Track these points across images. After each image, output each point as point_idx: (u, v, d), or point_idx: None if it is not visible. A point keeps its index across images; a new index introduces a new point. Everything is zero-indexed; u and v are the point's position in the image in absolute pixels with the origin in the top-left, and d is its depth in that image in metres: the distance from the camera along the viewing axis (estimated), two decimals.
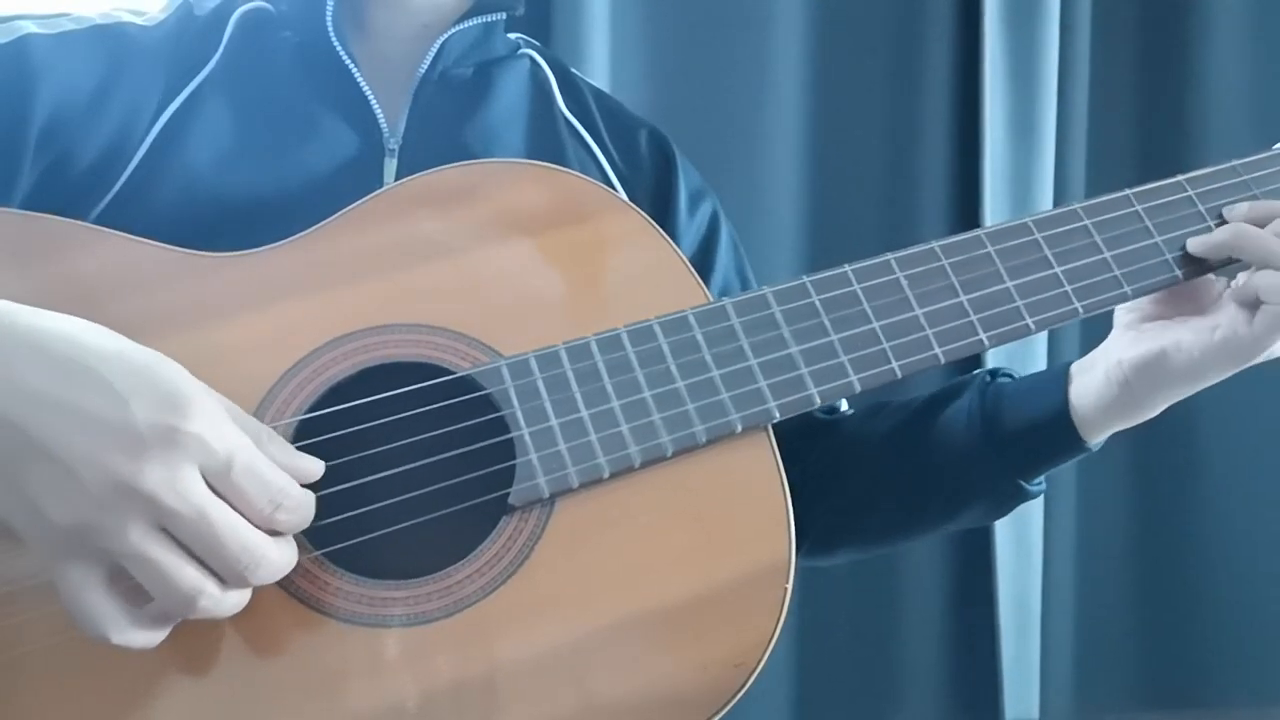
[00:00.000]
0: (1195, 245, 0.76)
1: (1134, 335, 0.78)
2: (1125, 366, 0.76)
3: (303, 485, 0.60)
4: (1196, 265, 0.76)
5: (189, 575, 0.55)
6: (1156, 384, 0.76)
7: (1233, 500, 1.71)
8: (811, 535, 0.89)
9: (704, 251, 0.95)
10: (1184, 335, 0.75)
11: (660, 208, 0.93)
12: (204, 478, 0.55)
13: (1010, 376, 0.85)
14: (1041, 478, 0.83)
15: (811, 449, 0.90)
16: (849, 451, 0.90)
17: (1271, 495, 1.70)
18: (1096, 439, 0.79)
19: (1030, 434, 0.80)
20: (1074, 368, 0.80)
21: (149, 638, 0.56)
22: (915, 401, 0.89)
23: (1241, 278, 0.75)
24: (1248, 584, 1.70)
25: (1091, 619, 1.71)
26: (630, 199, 0.90)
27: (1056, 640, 1.68)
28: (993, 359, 1.44)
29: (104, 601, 0.55)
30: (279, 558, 0.58)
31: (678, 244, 0.91)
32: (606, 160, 0.93)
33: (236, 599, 0.57)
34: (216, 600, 0.56)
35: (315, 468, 0.62)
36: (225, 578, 0.56)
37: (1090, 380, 0.78)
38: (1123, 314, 0.80)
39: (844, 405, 0.94)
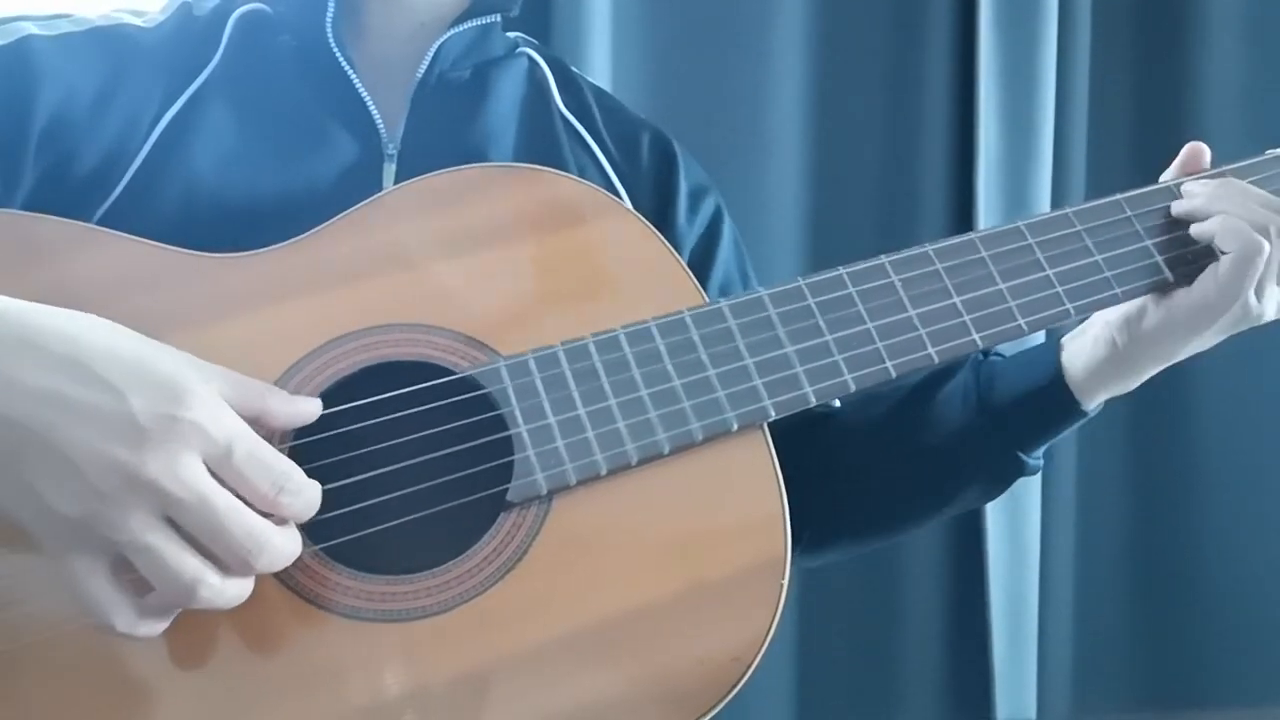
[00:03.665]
0: (1177, 208, 0.79)
1: None
2: (1111, 325, 0.79)
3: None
4: (1186, 267, 0.77)
5: (189, 564, 0.55)
6: (1140, 340, 0.78)
7: (1230, 500, 1.71)
8: (810, 527, 0.89)
9: (705, 248, 0.95)
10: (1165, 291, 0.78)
11: (661, 207, 0.93)
12: (206, 465, 0.56)
13: (1001, 356, 0.86)
14: (1040, 452, 0.84)
15: (809, 442, 0.90)
16: (843, 440, 0.90)
17: (1270, 495, 1.70)
18: (1092, 403, 0.80)
19: (1026, 401, 0.81)
20: (1065, 337, 0.82)
21: (152, 628, 0.57)
22: (907, 385, 0.89)
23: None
24: (1245, 584, 1.70)
25: (1088, 619, 1.70)
26: (630, 196, 0.90)
27: (1053, 641, 1.68)
28: None
29: (109, 591, 0.56)
30: (283, 544, 0.58)
31: (679, 242, 0.92)
32: (605, 157, 0.93)
33: (237, 590, 0.58)
34: (216, 590, 0.56)
35: (313, 407, 0.64)
36: (229, 564, 0.57)
37: (1081, 343, 0.80)
38: None
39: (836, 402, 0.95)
